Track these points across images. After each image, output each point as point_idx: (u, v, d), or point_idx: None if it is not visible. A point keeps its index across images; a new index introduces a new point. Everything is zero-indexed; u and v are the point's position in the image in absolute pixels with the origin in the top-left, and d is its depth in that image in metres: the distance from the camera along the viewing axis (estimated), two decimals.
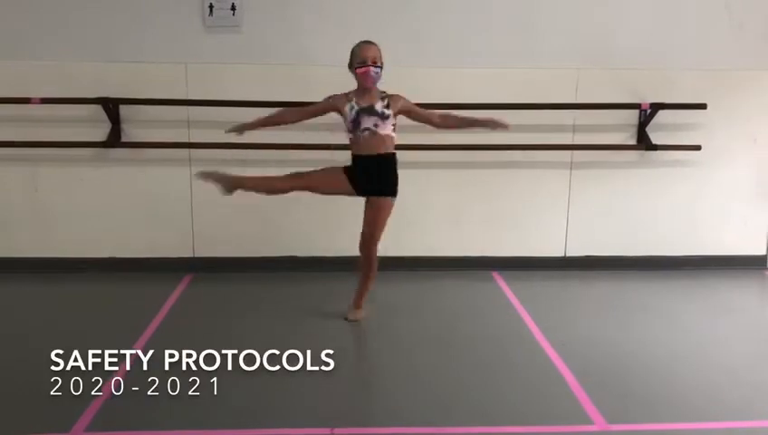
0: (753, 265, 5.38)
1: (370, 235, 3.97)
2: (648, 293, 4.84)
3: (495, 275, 5.11)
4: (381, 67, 3.84)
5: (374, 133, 3.85)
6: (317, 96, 4.69)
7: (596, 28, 4.98)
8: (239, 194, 4.93)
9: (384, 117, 3.85)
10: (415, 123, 4.87)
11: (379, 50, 3.85)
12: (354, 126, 3.86)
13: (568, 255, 5.30)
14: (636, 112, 5.06)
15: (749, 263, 5.38)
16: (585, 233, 5.26)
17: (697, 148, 5.06)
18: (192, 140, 4.91)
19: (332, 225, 4.98)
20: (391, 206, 3.97)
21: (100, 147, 4.86)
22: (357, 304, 4.22)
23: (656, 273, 5.21)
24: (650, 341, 4.01)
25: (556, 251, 5.29)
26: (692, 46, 5.04)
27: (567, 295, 4.80)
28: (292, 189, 3.96)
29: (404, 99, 3.96)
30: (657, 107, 4.97)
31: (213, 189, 4.97)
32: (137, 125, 4.89)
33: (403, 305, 4.53)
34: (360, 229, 4.03)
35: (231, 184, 3.94)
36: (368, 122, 3.84)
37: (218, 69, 4.85)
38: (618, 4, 4.98)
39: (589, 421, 3.11)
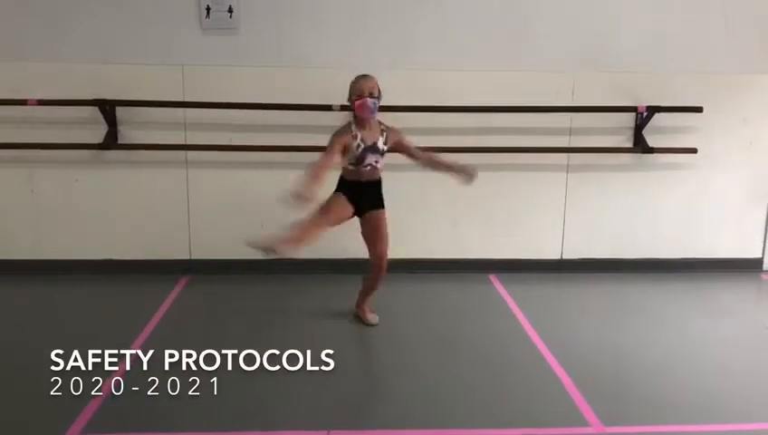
0: (748, 268, 5.39)
1: (385, 246, 4.06)
2: (644, 295, 4.85)
3: (492, 277, 5.12)
4: (378, 98, 3.90)
5: (374, 168, 3.99)
6: (313, 98, 4.74)
7: (593, 31, 4.99)
8: (235, 195, 4.99)
9: (383, 153, 3.99)
10: (409, 126, 4.92)
11: (376, 82, 3.90)
12: (359, 161, 3.92)
13: (564, 257, 5.30)
14: (632, 115, 5.07)
15: (745, 266, 5.40)
16: (581, 236, 5.27)
17: (693, 151, 5.07)
18: (188, 142, 4.91)
19: None
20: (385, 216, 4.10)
21: (96, 149, 4.85)
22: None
23: (652, 275, 5.22)
24: (646, 343, 4.01)
25: (553, 254, 5.30)
26: (688, 50, 5.05)
27: (563, 298, 4.81)
28: (318, 230, 3.91)
29: (400, 134, 4.05)
30: (653, 110, 4.98)
31: (209, 191, 5.02)
32: (133, 127, 4.88)
33: (401, 308, 4.53)
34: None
35: (280, 248, 3.79)
36: (371, 159, 3.94)
37: (215, 71, 4.84)
38: (614, 7, 4.99)
39: (585, 424, 3.11)
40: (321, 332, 4.02)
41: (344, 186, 4.01)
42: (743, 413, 3.23)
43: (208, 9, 4.78)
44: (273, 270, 5.05)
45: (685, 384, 3.50)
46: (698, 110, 4.99)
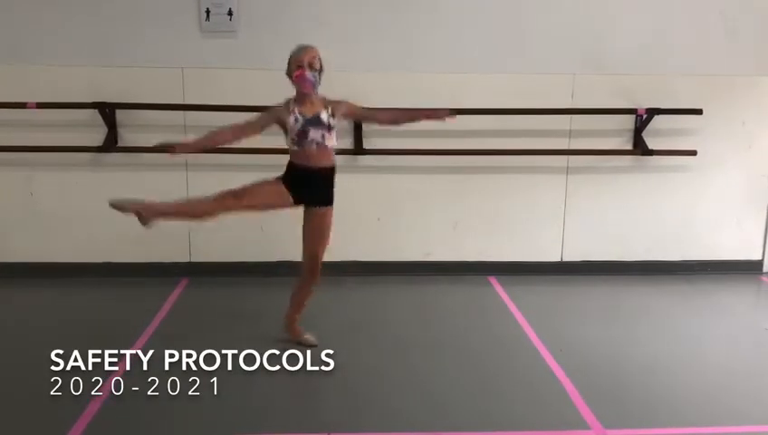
0: (748, 270, 5.39)
1: (321, 247, 3.77)
2: (643, 297, 4.84)
3: (492, 279, 5.11)
4: (320, 71, 3.65)
5: (321, 145, 3.62)
6: None
7: (592, 34, 4.99)
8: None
9: (330, 128, 3.63)
10: (409, 128, 4.91)
11: (317, 54, 3.64)
12: (300, 138, 3.60)
13: (564, 259, 5.30)
14: (632, 118, 5.07)
15: (744, 268, 5.39)
16: (581, 238, 5.26)
17: (693, 153, 5.08)
18: None
19: None
20: (332, 214, 3.77)
21: (96, 151, 4.85)
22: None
23: (652, 277, 5.21)
24: (646, 345, 4.01)
25: (553, 256, 5.29)
26: (688, 52, 5.06)
27: (563, 300, 4.80)
28: (223, 210, 3.65)
29: (346, 103, 3.73)
30: (653, 112, 4.99)
31: (208, 194, 5.01)
32: (133, 130, 4.88)
33: (400, 310, 4.53)
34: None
35: (147, 213, 3.59)
36: (315, 134, 3.60)
37: (215, 74, 4.85)
38: (614, 9, 4.99)
39: (585, 426, 3.11)
40: (320, 332, 4.00)
41: (292, 174, 3.66)
42: (743, 415, 3.23)
43: (208, 12, 4.79)
44: (271, 274, 5.04)
45: (685, 386, 3.50)
46: (698, 112, 5.00)
